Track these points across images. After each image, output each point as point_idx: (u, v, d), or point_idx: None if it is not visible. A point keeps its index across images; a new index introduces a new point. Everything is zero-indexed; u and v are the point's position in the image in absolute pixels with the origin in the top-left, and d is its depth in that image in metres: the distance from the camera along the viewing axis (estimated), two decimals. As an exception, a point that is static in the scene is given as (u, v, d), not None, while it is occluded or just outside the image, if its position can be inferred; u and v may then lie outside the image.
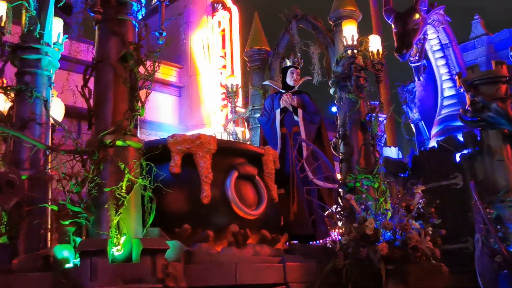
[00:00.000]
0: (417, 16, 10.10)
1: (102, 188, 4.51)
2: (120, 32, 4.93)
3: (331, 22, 7.65)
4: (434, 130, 10.93)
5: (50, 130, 5.91)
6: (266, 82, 7.75)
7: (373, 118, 7.17)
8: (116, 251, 4.40)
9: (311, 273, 5.50)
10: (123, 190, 4.54)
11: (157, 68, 4.96)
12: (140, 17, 5.20)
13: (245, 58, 8.74)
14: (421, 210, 5.97)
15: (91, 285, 4.17)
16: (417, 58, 10.55)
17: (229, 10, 16.21)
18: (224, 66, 15.48)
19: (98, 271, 4.21)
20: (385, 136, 10.74)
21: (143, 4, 5.19)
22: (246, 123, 8.53)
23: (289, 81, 7.18)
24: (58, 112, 8.49)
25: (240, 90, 9.13)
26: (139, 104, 4.81)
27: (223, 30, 16.21)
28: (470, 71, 9.39)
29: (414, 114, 11.55)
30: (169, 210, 5.28)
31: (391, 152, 11.48)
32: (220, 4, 16.58)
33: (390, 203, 5.76)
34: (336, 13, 7.57)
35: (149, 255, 4.38)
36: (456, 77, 10.27)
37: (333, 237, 6.15)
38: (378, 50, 7.38)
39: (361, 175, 6.75)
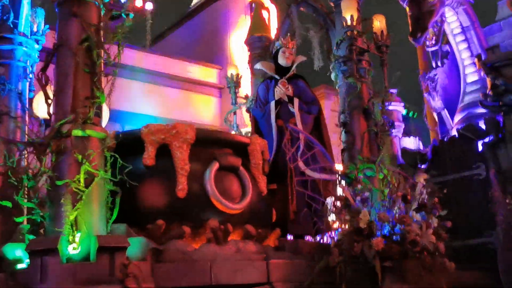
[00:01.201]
0: (433, -4, 9.51)
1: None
2: (81, 13, 4.57)
3: (331, 3, 7.13)
4: (456, 118, 10.31)
5: (27, 123, 5.64)
6: (257, 66, 7.21)
7: (379, 106, 6.65)
8: (72, 249, 4.04)
9: (300, 271, 5.04)
10: (81, 184, 4.18)
11: (122, 52, 4.59)
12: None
13: (246, 46, 8.33)
14: (424, 201, 5.45)
15: (41, 286, 3.83)
16: (433, 42, 9.96)
17: (267, 9, 15.79)
18: (264, 65, 15.12)
19: (49, 271, 3.87)
20: (403, 125, 10.14)
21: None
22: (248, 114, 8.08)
23: (282, 61, 6.64)
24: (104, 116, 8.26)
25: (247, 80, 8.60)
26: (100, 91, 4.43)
27: (263, 30, 15.83)
28: (490, 53, 8.78)
29: (437, 103, 10.89)
30: (142, 205, 4.91)
31: (410, 142, 10.89)
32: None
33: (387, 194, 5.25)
34: (336, -8, 7.04)
35: (107, 253, 4.01)
36: (476, 59, 9.66)
37: (330, 233, 5.68)
38: (382, 31, 6.87)
39: (363, 165, 6.25)
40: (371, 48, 6.70)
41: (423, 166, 9.65)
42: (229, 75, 8.16)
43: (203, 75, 15.80)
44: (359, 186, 5.39)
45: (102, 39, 4.56)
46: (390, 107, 9.91)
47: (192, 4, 18.34)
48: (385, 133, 8.90)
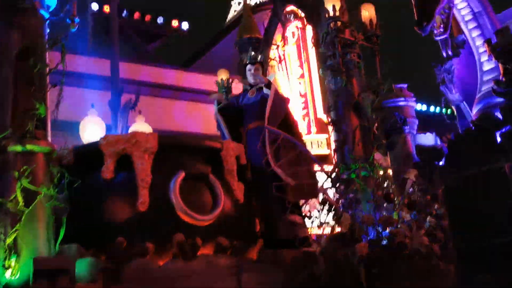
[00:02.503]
0: (438, -18, 8.95)
1: (-3, 202, 3.86)
2: (20, 22, 4.28)
3: (317, -3, 6.68)
4: (475, 110, 9.66)
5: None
6: (235, 82, 6.80)
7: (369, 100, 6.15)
8: (10, 275, 3.71)
9: (279, 284, 4.59)
10: (20, 203, 3.85)
11: (64, 58, 4.28)
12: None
13: (236, 49, 7.97)
14: (417, 198, 4.94)
15: (-28, 318, 3.51)
16: (441, 30, 9.34)
17: (302, 20, 15.39)
18: (302, 75, 14.72)
19: (-20, 301, 3.55)
20: (417, 122, 9.54)
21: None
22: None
23: (250, 81, 6.07)
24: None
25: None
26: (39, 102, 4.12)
27: (298, 40, 15.47)
28: (500, 36, 8.16)
29: (454, 95, 10.25)
30: (101, 222, 4.55)
31: (427, 139, 10.26)
32: (292, 15, 15.95)
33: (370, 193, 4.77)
34: (319, -17, 6.58)
35: (45, 277, 3.66)
36: (485, 44, 9.04)
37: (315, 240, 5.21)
38: (371, 20, 6.40)
39: (356, 164, 5.77)
40: (359, 39, 6.22)
41: (440, 163, 9.07)
42: (219, 80, 7.79)
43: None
44: (342, 187, 4.91)
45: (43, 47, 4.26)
46: (401, 103, 9.38)
47: (228, 19, 18.20)
48: (397, 131, 8.37)
